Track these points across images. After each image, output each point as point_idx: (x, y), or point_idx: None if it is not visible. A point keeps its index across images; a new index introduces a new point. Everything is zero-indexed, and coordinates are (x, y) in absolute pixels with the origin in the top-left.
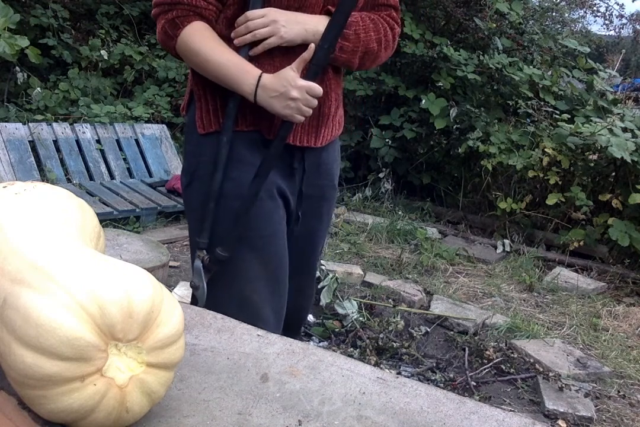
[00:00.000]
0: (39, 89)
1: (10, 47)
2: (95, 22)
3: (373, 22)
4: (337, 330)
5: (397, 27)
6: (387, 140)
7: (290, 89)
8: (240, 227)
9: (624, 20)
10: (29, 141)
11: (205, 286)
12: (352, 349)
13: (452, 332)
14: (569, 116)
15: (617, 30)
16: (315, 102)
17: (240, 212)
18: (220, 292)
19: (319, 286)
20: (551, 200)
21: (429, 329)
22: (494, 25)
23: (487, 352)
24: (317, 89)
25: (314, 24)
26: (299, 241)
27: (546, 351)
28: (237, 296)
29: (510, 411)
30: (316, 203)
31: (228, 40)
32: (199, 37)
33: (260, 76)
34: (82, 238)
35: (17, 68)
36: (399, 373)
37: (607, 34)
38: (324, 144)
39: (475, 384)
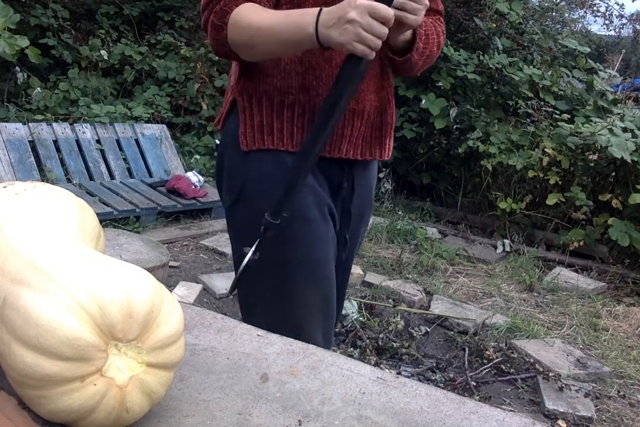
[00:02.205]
0: (39, 89)
1: (10, 47)
2: (95, 22)
3: (433, 25)
4: (337, 330)
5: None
6: None
7: (349, 10)
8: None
9: (624, 20)
10: (29, 141)
11: (251, 254)
12: (352, 349)
13: (452, 332)
14: (569, 116)
15: (617, 30)
16: (382, 29)
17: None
18: (273, 316)
19: None
20: (551, 200)
21: (429, 329)
22: (494, 25)
23: (487, 352)
24: (384, 10)
25: None
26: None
27: (546, 351)
28: (291, 322)
29: (510, 411)
30: (356, 225)
31: None
32: (247, 12)
33: (320, 11)
34: (82, 238)
35: (17, 68)
36: (399, 373)
37: (607, 34)
38: (389, 156)
39: (475, 384)
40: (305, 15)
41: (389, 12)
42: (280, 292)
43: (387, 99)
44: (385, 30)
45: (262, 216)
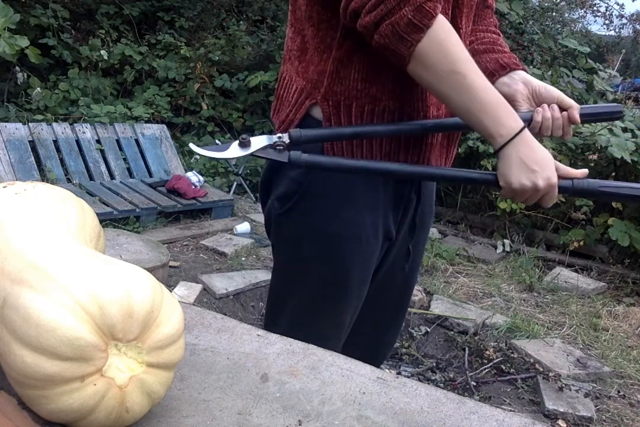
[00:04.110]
0: (39, 89)
1: (10, 47)
2: (95, 22)
3: (499, 43)
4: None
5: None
6: None
7: (542, 178)
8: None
9: (624, 20)
10: (29, 141)
11: (249, 148)
12: None
13: (452, 332)
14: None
15: (617, 30)
16: (531, 203)
17: None
18: (300, 329)
19: None
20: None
21: (429, 329)
22: None
23: (487, 352)
24: (552, 202)
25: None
26: (400, 277)
27: (546, 351)
28: (318, 337)
29: (510, 411)
30: (418, 233)
31: None
32: (455, 39)
33: (523, 129)
34: (82, 238)
35: (17, 68)
36: (399, 373)
37: (607, 34)
38: (450, 164)
39: (475, 384)
40: (511, 118)
41: (553, 202)
42: (315, 306)
43: None
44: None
45: (316, 229)
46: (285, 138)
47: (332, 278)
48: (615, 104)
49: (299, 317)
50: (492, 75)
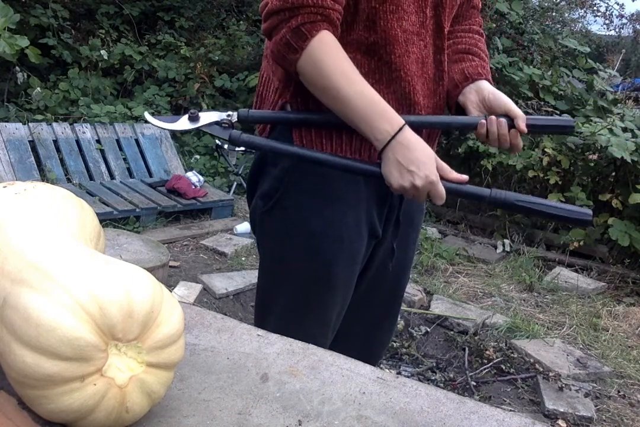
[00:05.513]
0: (39, 89)
1: (10, 47)
2: (95, 22)
3: (479, 48)
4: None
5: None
6: None
7: (419, 177)
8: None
9: (624, 20)
10: (29, 141)
11: (197, 122)
12: None
13: (452, 332)
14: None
15: (617, 30)
16: (422, 201)
17: None
18: (288, 327)
19: None
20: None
21: (429, 329)
22: (494, 25)
23: (487, 352)
24: (440, 199)
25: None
26: (391, 275)
27: (546, 351)
28: (305, 335)
29: (510, 411)
30: (404, 231)
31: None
32: (331, 56)
33: (401, 128)
34: (82, 238)
35: (17, 68)
36: (399, 373)
37: (607, 34)
38: None
39: (475, 384)
40: (385, 121)
41: (442, 199)
42: (301, 304)
43: (440, 105)
44: (423, 200)
45: (298, 227)
46: (234, 117)
47: (315, 277)
48: (567, 118)
49: (286, 315)
50: (457, 87)
